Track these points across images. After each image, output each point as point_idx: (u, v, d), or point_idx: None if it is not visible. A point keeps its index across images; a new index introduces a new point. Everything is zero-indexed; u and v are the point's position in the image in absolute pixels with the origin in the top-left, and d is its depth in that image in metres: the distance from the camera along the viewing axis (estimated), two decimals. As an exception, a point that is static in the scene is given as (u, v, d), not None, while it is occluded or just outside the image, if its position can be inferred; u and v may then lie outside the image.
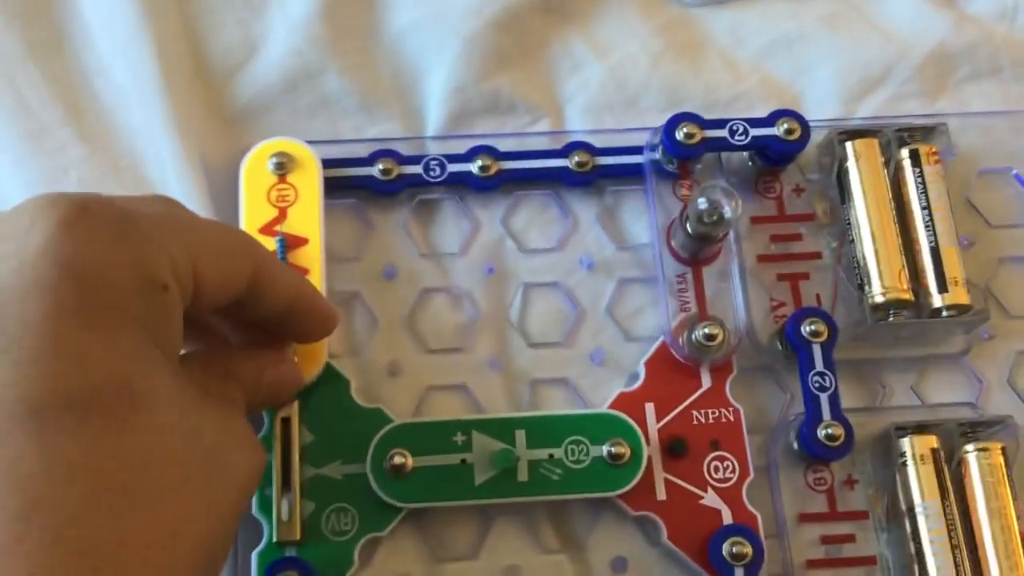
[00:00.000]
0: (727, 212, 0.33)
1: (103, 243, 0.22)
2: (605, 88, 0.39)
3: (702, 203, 0.33)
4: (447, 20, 0.38)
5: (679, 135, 0.35)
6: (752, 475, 0.33)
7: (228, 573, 0.31)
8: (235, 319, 0.29)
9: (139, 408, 0.21)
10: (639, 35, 0.39)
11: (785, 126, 0.35)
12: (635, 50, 0.39)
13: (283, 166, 0.35)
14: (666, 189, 0.36)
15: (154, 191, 0.36)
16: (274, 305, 0.28)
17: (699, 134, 0.35)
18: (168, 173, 0.35)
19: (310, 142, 0.36)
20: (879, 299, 0.34)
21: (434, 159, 0.36)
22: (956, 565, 0.31)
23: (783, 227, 0.36)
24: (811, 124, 0.36)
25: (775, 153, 0.36)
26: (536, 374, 0.35)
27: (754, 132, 0.35)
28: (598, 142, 0.37)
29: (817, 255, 0.36)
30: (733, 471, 0.33)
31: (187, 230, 0.25)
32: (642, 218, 0.37)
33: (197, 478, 0.22)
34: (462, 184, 0.37)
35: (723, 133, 0.35)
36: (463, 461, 0.32)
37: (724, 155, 0.37)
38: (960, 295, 0.34)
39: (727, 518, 0.32)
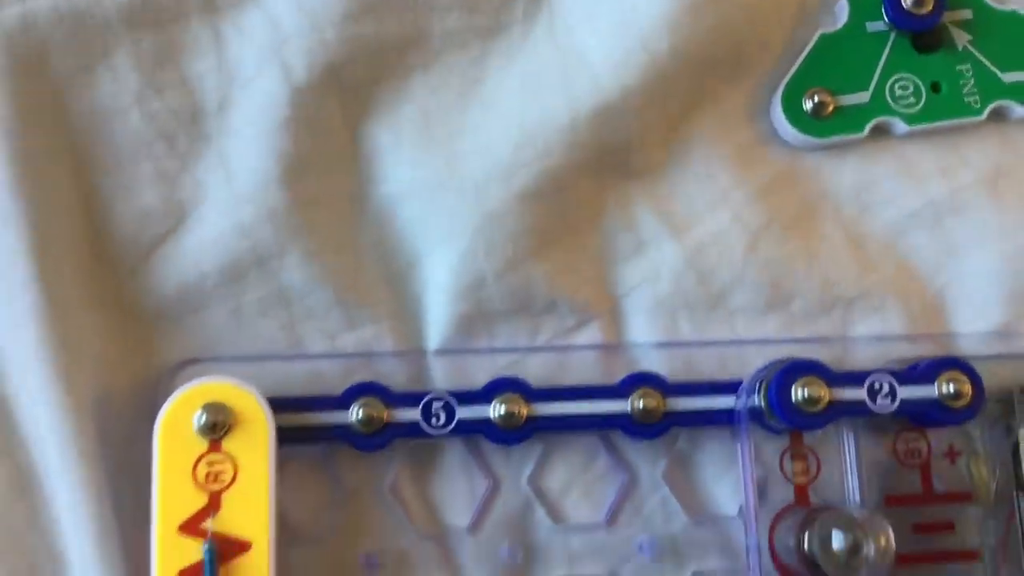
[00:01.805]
0: (869, 552, 0.22)
1: None
2: (681, 279, 0.27)
3: (836, 539, 0.22)
4: (460, 186, 0.26)
5: (796, 396, 0.24)
6: None
7: None
8: None
9: None
10: (731, 201, 0.28)
11: (951, 386, 0.24)
12: (725, 223, 0.28)
13: (217, 426, 0.24)
14: (769, 448, 0.26)
15: (22, 448, 0.25)
16: None
17: (826, 394, 0.24)
18: (39, 420, 0.24)
19: (259, 358, 0.25)
20: (1069, 647, 0.24)
21: (438, 399, 0.25)
22: None
23: (929, 512, 0.26)
24: (975, 360, 0.25)
25: (931, 420, 0.25)
26: None
27: (903, 393, 0.25)
28: (670, 365, 0.26)
29: (974, 555, 0.26)
30: None
31: None
32: (728, 474, 0.27)
33: None
34: (477, 434, 0.26)
35: (859, 393, 0.24)
36: None
37: (851, 401, 0.26)
38: None
39: None
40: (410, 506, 0.26)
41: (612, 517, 0.26)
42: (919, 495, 0.26)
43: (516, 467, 0.27)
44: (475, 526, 0.26)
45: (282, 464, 0.25)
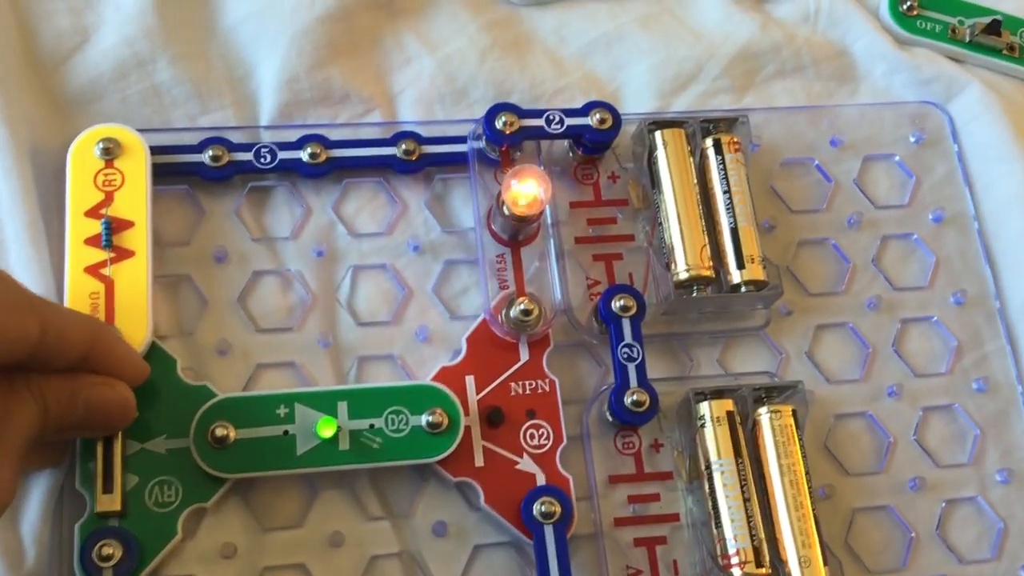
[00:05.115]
0: (539, 193, 0.35)
1: None
2: (435, 81, 0.40)
3: (515, 185, 0.35)
4: (279, 13, 0.39)
5: (499, 124, 0.37)
6: (565, 441, 0.35)
7: (52, 544, 0.32)
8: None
9: None
10: (468, 31, 0.41)
11: (598, 116, 0.38)
12: (464, 45, 0.41)
13: (110, 151, 0.35)
14: (489, 176, 0.38)
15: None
16: (67, 357, 0.29)
17: (517, 123, 0.37)
18: None
19: (141, 130, 0.36)
20: (683, 276, 0.37)
21: (265, 146, 0.37)
22: (748, 517, 0.34)
23: (600, 211, 0.39)
24: (626, 117, 0.39)
25: (590, 141, 0.38)
26: (363, 351, 0.36)
27: (569, 121, 0.38)
28: (427, 132, 0.39)
29: (631, 237, 0.39)
30: (548, 438, 0.35)
31: None
32: (469, 204, 0.39)
33: None
34: (293, 171, 0.38)
35: (540, 122, 0.38)
36: (286, 432, 0.33)
37: (545, 144, 0.39)
38: (756, 271, 0.37)
39: (541, 481, 0.34)
40: (249, 224, 0.38)
41: (389, 229, 0.38)
42: (592, 201, 0.39)
43: (324, 200, 0.38)
44: (295, 236, 0.38)
45: (157, 198, 0.36)
